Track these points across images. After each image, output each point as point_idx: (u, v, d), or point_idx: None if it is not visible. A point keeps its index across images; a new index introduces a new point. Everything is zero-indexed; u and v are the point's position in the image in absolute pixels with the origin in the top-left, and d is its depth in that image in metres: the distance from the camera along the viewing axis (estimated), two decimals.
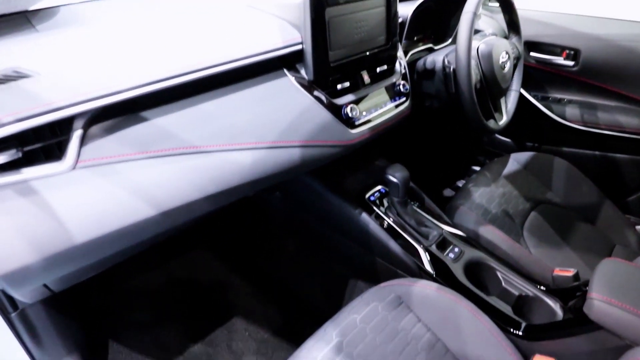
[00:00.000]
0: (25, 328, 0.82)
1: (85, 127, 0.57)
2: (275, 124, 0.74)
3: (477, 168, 1.75)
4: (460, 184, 1.74)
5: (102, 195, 0.55)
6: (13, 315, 0.80)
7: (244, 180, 0.68)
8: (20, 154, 0.51)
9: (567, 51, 1.39)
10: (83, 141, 0.56)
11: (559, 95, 1.49)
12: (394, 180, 0.96)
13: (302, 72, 0.81)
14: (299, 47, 0.79)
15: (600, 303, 0.71)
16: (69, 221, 0.51)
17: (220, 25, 0.78)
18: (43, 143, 0.54)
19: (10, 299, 0.78)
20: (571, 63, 1.40)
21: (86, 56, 0.62)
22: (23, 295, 0.70)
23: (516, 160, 1.36)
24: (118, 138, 0.59)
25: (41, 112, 0.52)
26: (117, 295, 1.22)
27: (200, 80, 0.67)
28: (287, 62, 0.80)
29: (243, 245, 1.40)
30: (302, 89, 0.80)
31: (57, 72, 0.57)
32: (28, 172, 0.52)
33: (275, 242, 1.32)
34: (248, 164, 0.69)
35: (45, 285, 0.70)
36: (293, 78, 0.80)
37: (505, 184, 1.29)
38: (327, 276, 1.19)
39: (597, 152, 1.43)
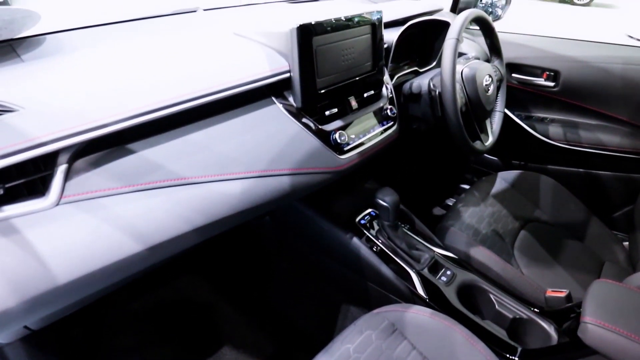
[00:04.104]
0: None
1: (70, 162, 0.55)
2: (264, 153, 0.73)
3: (465, 186, 1.76)
4: (449, 202, 1.75)
5: (87, 232, 0.53)
6: None
7: (233, 211, 0.67)
8: (1, 191, 0.49)
9: (548, 72, 1.43)
10: (67, 176, 0.55)
11: (541, 115, 1.52)
12: (384, 204, 0.95)
13: (290, 99, 0.81)
14: (287, 75, 0.79)
15: (594, 327, 0.71)
16: (51, 261, 0.49)
17: (207, 54, 0.78)
18: (26, 179, 0.52)
19: None
20: (552, 84, 1.44)
21: (72, 87, 0.61)
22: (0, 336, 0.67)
23: (503, 179, 1.37)
24: (104, 171, 0.58)
25: (24, 149, 0.50)
26: (100, 322, 1.18)
27: (188, 110, 0.66)
28: (275, 90, 0.80)
29: (233, 270, 1.37)
30: (290, 117, 0.80)
31: (42, 105, 0.56)
32: (9, 210, 0.50)
33: (266, 268, 1.30)
34: (237, 194, 0.68)
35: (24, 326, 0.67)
36: (281, 106, 0.80)
37: (494, 203, 1.30)
38: (319, 302, 1.17)
39: (581, 170, 1.45)
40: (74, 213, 0.53)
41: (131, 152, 0.61)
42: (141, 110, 0.61)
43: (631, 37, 1.50)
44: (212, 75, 0.71)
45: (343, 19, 0.84)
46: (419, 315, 0.84)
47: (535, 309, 0.94)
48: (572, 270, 1.18)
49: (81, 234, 0.53)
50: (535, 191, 1.35)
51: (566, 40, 1.42)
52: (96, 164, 0.58)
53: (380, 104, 1.00)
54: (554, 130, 1.46)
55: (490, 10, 1.58)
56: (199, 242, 0.67)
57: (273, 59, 0.79)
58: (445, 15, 1.30)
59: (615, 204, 1.44)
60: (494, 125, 1.25)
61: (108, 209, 0.56)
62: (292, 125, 0.79)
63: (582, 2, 8.73)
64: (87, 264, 0.52)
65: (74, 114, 0.56)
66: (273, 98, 0.80)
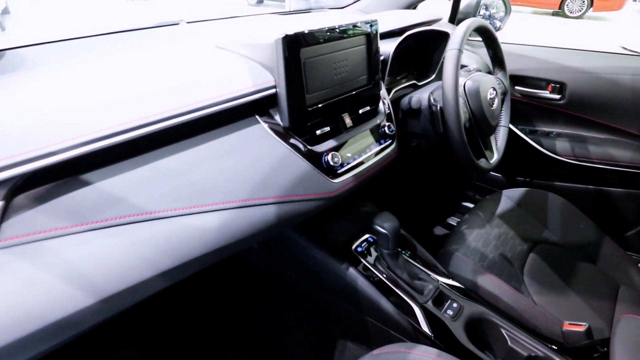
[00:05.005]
0: None
1: (8, 198, 0.46)
2: (246, 179, 0.65)
3: (468, 204, 1.68)
4: (451, 221, 1.66)
5: (26, 284, 0.44)
6: None
7: (209, 249, 0.58)
8: None
9: (553, 85, 1.36)
10: (5, 215, 0.46)
11: (547, 129, 1.44)
12: (383, 231, 0.87)
13: (277, 118, 0.73)
14: (272, 91, 0.71)
15: None
16: None
17: (183, 68, 0.70)
18: None
19: None
20: (557, 96, 1.36)
21: (19, 109, 0.52)
22: None
23: (509, 198, 1.29)
24: (51, 208, 0.49)
25: None
26: None
27: (158, 133, 0.58)
28: (259, 107, 0.72)
29: (220, 302, 1.27)
30: (276, 137, 0.71)
31: None
32: None
33: (256, 299, 1.20)
34: (214, 228, 0.59)
35: None
36: (266, 125, 0.71)
37: (499, 224, 1.21)
38: (314, 338, 1.07)
39: (590, 187, 1.37)
40: (10, 260, 0.44)
41: (86, 183, 0.52)
42: (100, 134, 0.52)
43: (625, 48, 1.45)
44: (187, 92, 0.63)
45: (335, 28, 0.77)
46: (423, 357, 0.75)
47: (553, 346, 0.84)
48: (587, 297, 1.09)
49: (18, 286, 0.43)
50: (543, 210, 1.27)
51: (572, 51, 1.35)
52: (42, 200, 0.49)
53: (377, 120, 0.92)
54: (561, 145, 1.38)
55: (488, 21, 1.52)
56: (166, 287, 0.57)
57: (257, 73, 0.71)
58: (443, 26, 1.23)
59: (627, 222, 1.35)
60: (499, 141, 1.17)
61: (54, 253, 0.47)
62: (279, 147, 0.71)
63: (574, 15, 8.81)
64: (23, 325, 0.42)
65: (14, 140, 0.47)
66: (257, 117, 0.71)
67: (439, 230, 1.64)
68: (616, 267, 1.19)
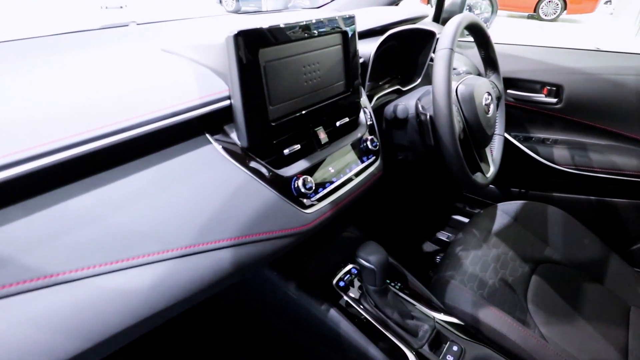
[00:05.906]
0: None
1: None
2: (192, 218, 0.50)
3: (458, 217, 1.56)
4: (441, 235, 1.54)
5: None
6: None
7: (138, 318, 0.43)
8: None
9: (549, 87, 1.25)
10: None
11: (542, 135, 1.34)
12: (369, 265, 0.73)
13: (233, 136, 0.59)
14: (226, 102, 0.57)
15: None
16: None
17: (115, 77, 0.55)
18: None
19: None
20: (553, 100, 1.26)
21: None
22: None
23: (505, 212, 1.17)
24: None
25: None
26: None
27: (68, 163, 0.43)
28: (211, 123, 0.58)
29: (185, 348, 1.11)
30: (232, 160, 0.57)
31: None
32: None
33: (227, 345, 1.04)
34: (144, 289, 0.44)
35: None
36: (219, 145, 0.57)
37: (497, 243, 1.09)
38: None
39: (592, 197, 1.26)
40: None
41: None
42: None
43: (599, 49, 1.36)
44: (113, 106, 0.48)
45: (303, 25, 0.63)
46: None
47: None
48: (598, 324, 0.98)
49: None
50: (543, 225, 1.16)
51: (569, 50, 1.25)
52: None
53: (358, 134, 0.79)
54: (559, 152, 1.27)
55: None
56: None
57: (207, 81, 0.57)
58: (428, 25, 1.11)
59: (632, 236, 1.25)
60: (495, 151, 1.05)
61: None
62: (236, 173, 0.56)
63: (549, 18, 8.95)
64: None
65: None
66: (208, 135, 0.57)
67: (428, 247, 1.52)
68: (625, 286, 1.08)
